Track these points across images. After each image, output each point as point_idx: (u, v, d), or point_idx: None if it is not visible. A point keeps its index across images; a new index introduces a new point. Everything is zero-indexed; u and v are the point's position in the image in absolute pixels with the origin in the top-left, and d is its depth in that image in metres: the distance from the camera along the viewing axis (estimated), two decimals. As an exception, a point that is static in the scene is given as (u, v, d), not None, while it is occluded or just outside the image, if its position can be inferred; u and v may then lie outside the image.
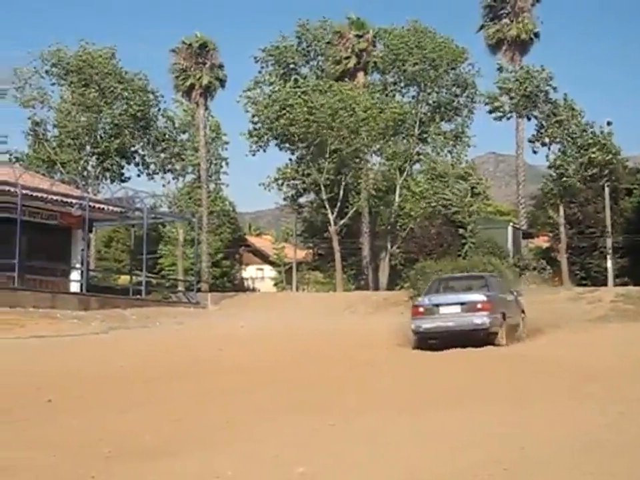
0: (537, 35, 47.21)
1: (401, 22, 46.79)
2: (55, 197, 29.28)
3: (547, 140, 42.20)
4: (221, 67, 47.94)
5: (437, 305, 17.56)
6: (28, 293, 27.02)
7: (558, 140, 41.75)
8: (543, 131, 42.09)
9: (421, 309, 17.61)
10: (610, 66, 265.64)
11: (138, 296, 31.72)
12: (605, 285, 37.31)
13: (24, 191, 27.74)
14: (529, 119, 43.17)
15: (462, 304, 17.42)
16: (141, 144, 45.34)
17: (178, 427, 9.74)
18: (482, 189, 44.21)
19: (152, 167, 45.67)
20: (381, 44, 46.25)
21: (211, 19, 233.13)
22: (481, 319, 17.00)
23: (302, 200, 46.76)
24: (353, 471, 7.34)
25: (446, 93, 45.64)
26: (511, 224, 45.25)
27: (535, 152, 43.37)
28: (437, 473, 7.11)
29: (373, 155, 44.78)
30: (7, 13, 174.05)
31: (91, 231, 34.23)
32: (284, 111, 40.41)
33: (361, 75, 45.75)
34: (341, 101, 40.08)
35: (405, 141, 44.46)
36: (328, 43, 46.18)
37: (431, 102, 45.50)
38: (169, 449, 8.55)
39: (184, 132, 46.70)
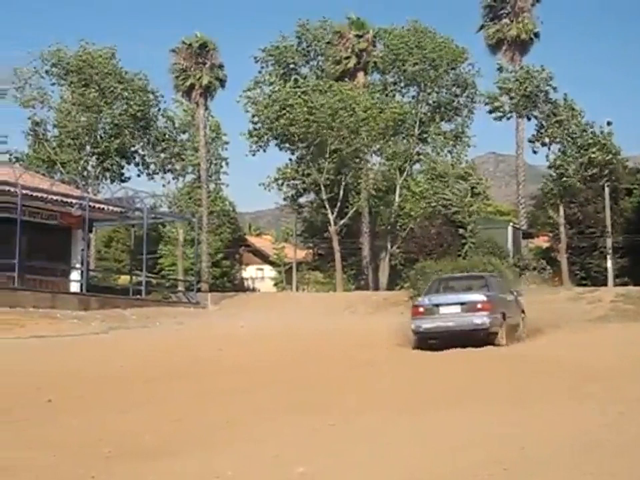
0: (537, 34, 47.23)
1: (400, 22, 46.92)
2: (55, 197, 29.27)
3: (547, 140, 42.19)
4: (221, 67, 47.96)
5: (437, 305, 17.56)
6: (28, 293, 27.01)
7: (558, 140, 41.73)
8: (543, 131, 42.08)
9: (421, 309, 17.60)
10: (610, 66, 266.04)
11: (138, 296, 31.72)
12: (605, 285, 37.29)
13: (24, 191, 27.74)
14: (529, 119, 43.19)
15: (462, 304, 17.42)
16: (141, 144, 45.35)
17: (178, 426, 9.74)
18: (482, 189, 44.20)
19: (152, 167, 45.71)
20: (381, 44, 46.27)
21: (211, 19, 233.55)
22: (480, 319, 17.00)
23: (302, 200, 46.81)
24: (353, 471, 7.34)
25: (446, 93, 45.68)
26: (511, 224, 45.25)
27: (535, 152, 43.45)
28: (437, 473, 7.11)
29: (373, 154, 44.81)
30: (7, 13, 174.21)
31: (90, 231, 34.22)
32: (284, 111, 40.41)
33: (361, 74, 45.76)
34: (341, 100, 40.08)
35: (405, 140, 44.47)
36: (328, 42, 46.19)
37: (431, 102, 45.53)
38: (169, 449, 8.55)
39: (184, 132, 46.73)
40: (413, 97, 45.52)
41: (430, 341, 17.07)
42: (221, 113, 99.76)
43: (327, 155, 40.62)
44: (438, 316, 17.34)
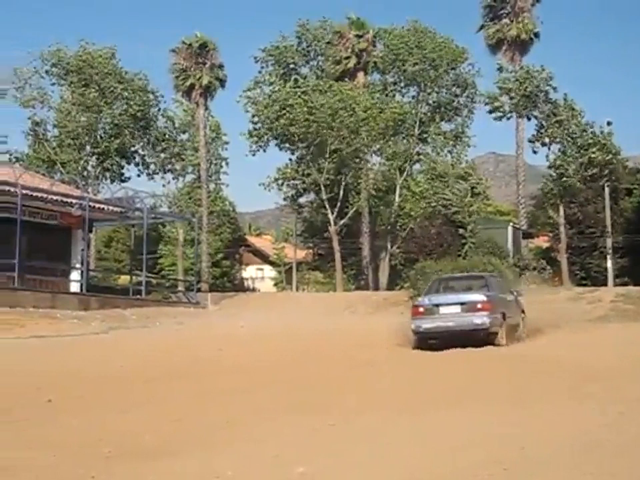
0: (537, 34, 47.24)
1: (400, 22, 46.93)
2: (55, 197, 29.27)
3: (547, 140, 42.19)
4: (221, 67, 47.97)
5: (437, 305, 17.56)
6: (28, 293, 27.00)
7: (558, 140, 41.74)
8: (543, 131, 42.09)
9: (421, 309, 17.60)
10: (610, 66, 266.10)
11: (138, 296, 31.71)
12: (605, 285, 37.29)
13: (24, 191, 27.74)
14: (529, 119, 43.20)
15: (462, 304, 17.42)
16: (141, 144, 45.36)
17: (178, 426, 9.74)
18: (482, 189, 44.20)
19: (152, 167, 45.72)
20: (381, 44, 46.28)
21: (211, 19, 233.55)
22: (481, 319, 17.00)
23: (302, 200, 46.82)
24: (353, 471, 7.34)
25: (446, 93, 45.68)
26: (511, 224, 45.25)
27: (535, 152, 43.46)
28: (437, 473, 7.11)
29: (373, 154, 44.82)
30: (7, 13, 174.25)
31: (90, 231, 34.22)
32: (284, 111, 40.42)
33: (361, 75, 45.76)
34: (341, 100, 40.09)
35: (405, 140, 44.47)
36: (328, 43, 46.19)
37: (431, 102, 45.54)
38: (169, 449, 8.55)
39: (184, 132, 46.74)
40: (413, 97, 45.54)
41: (430, 341, 17.07)
42: (220, 113, 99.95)
43: (327, 155, 40.63)
44: (438, 316, 17.35)
